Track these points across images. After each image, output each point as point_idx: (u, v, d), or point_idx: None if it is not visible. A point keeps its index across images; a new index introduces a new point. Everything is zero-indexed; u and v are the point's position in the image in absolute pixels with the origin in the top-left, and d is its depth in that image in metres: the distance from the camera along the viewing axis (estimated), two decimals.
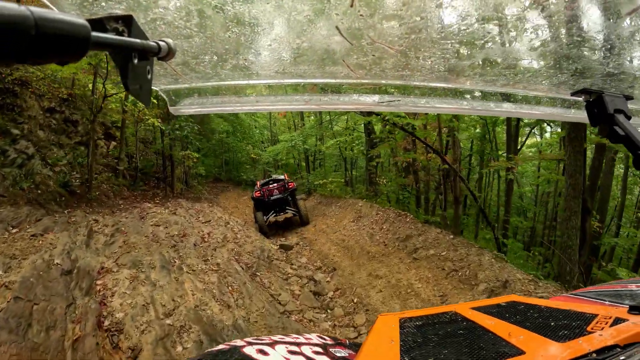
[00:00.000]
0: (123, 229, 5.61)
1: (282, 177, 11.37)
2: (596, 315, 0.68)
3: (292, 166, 21.87)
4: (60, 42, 0.29)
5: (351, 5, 0.76)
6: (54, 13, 0.28)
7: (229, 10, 0.73)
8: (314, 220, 10.88)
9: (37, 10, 0.26)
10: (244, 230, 8.00)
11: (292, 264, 7.02)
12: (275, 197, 10.28)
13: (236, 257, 5.89)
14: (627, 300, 0.95)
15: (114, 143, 10.01)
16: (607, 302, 0.95)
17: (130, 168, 10.14)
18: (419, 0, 0.71)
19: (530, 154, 13.53)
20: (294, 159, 21.60)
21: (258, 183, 11.36)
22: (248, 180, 20.31)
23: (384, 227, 8.27)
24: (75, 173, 7.31)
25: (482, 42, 0.86)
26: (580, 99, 0.90)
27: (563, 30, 0.80)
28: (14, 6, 0.24)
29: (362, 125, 14.50)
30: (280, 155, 20.64)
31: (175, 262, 4.87)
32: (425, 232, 7.16)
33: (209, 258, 5.47)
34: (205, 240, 6.24)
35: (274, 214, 10.35)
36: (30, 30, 0.25)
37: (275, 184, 10.63)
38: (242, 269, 5.48)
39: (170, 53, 0.55)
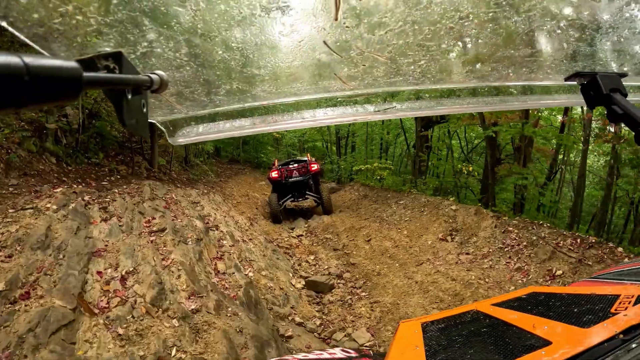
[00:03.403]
0: None
1: (304, 158, 10.08)
2: (618, 295, 0.67)
3: (320, 149, 19.18)
4: (54, 86, 0.30)
5: (335, 19, 0.77)
6: (45, 58, 0.29)
7: (215, 37, 0.75)
8: (365, 227, 7.09)
9: (28, 56, 0.27)
10: (241, 244, 4.68)
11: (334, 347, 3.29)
12: (294, 179, 8.99)
13: None
14: None
15: None
16: (627, 282, 0.93)
17: (80, 129, 6.71)
18: (402, 5, 0.72)
19: None
20: (323, 141, 18.89)
21: (276, 162, 10.14)
22: (269, 163, 16.79)
23: (555, 270, 4.16)
24: None
25: (469, 38, 0.87)
26: (574, 82, 0.89)
27: (550, 16, 0.81)
28: (4, 54, 0.25)
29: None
30: (307, 136, 17.90)
31: None
32: None
33: None
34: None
35: (292, 199, 9.07)
36: (23, 76, 0.26)
37: (296, 165, 9.38)
38: None
39: (163, 85, 0.56)
